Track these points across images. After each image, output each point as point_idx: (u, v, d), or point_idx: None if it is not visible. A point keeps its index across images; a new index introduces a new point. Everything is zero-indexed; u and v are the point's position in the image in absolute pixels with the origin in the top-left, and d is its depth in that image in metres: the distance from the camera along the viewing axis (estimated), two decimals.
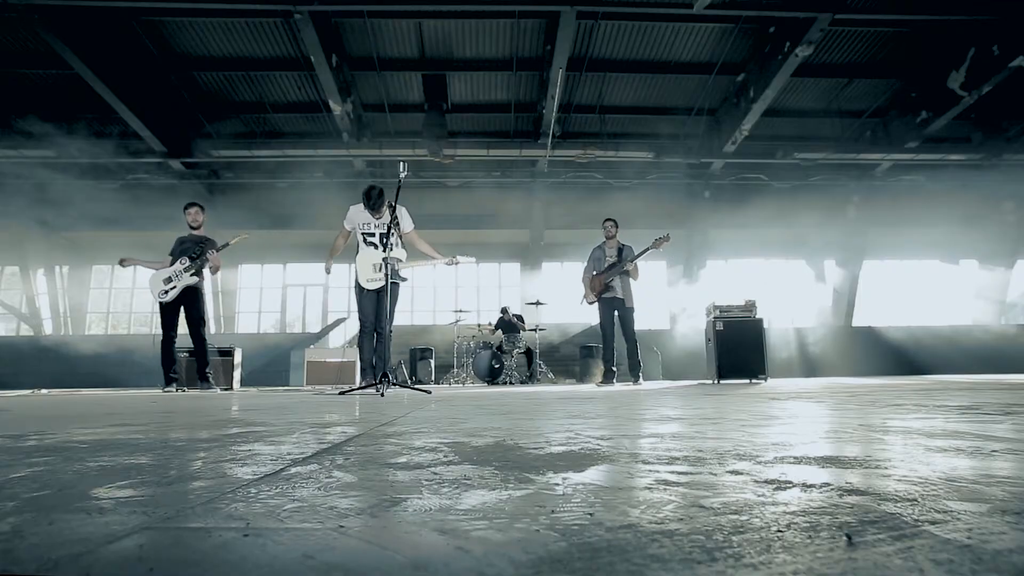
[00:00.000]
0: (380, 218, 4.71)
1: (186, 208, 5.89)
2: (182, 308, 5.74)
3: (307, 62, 9.99)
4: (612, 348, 6.09)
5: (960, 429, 1.21)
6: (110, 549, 0.44)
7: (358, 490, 0.66)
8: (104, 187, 12.92)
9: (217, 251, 5.80)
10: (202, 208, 5.96)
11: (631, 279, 6.06)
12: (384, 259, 4.62)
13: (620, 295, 6.05)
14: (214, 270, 5.84)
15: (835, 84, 11.56)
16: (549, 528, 0.48)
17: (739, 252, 16.00)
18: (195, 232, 5.86)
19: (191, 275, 5.70)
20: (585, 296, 6.29)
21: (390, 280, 4.30)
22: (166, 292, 5.65)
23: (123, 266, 5.80)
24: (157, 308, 5.76)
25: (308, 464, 0.86)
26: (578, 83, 11.32)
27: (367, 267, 4.74)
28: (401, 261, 4.57)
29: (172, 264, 5.70)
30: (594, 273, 6.20)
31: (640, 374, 6.02)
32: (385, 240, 4.21)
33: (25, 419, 1.96)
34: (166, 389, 5.65)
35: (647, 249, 5.96)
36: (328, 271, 5.01)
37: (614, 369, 6.08)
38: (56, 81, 10.80)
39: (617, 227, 6.23)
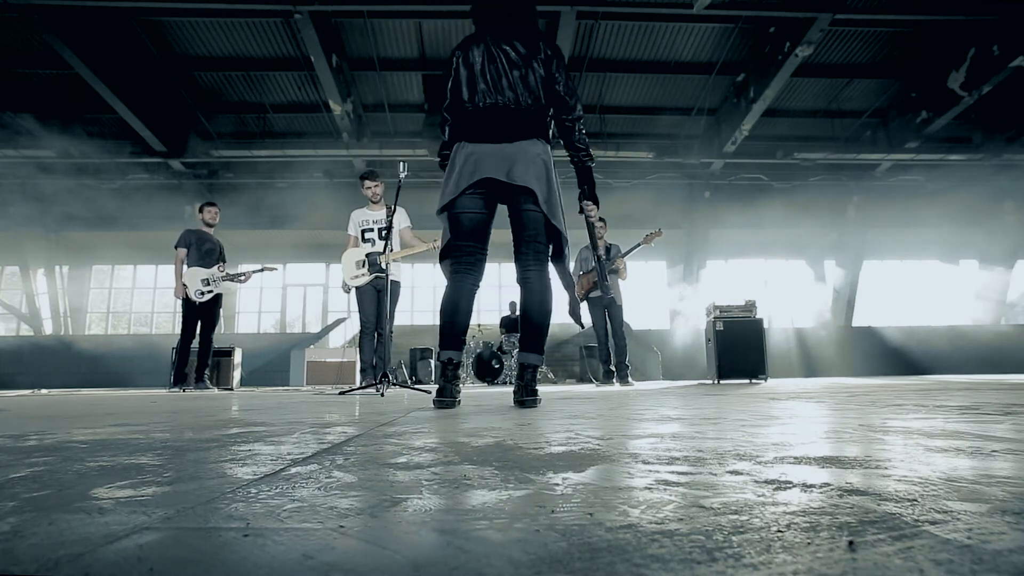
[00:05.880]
0: (379, 211, 4.79)
1: (205, 206, 5.97)
2: (203, 310, 5.82)
3: (307, 62, 9.99)
4: (607, 348, 6.08)
5: (960, 429, 1.21)
6: (110, 549, 0.44)
7: (358, 490, 0.66)
8: (104, 187, 12.93)
9: (254, 273, 6.32)
10: (218, 208, 6.08)
11: (619, 278, 6.05)
12: (367, 254, 4.62)
13: (610, 293, 6.04)
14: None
15: (835, 84, 11.56)
16: (549, 528, 0.48)
17: (739, 252, 16.00)
18: (209, 231, 5.94)
19: (224, 281, 5.88)
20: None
21: (390, 279, 4.30)
22: (203, 293, 5.72)
23: (178, 295, 5.78)
24: (179, 307, 5.85)
25: (308, 464, 0.86)
26: (578, 83, 11.32)
27: (351, 264, 4.75)
28: (384, 255, 4.52)
29: (187, 253, 5.75)
30: (580, 273, 6.18)
31: (628, 375, 5.96)
32: (385, 234, 4.20)
33: (25, 419, 1.96)
34: (175, 388, 5.70)
35: (638, 245, 5.95)
36: (347, 290, 4.96)
37: (612, 369, 6.06)
38: (56, 81, 10.81)
39: (606, 227, 6.22)
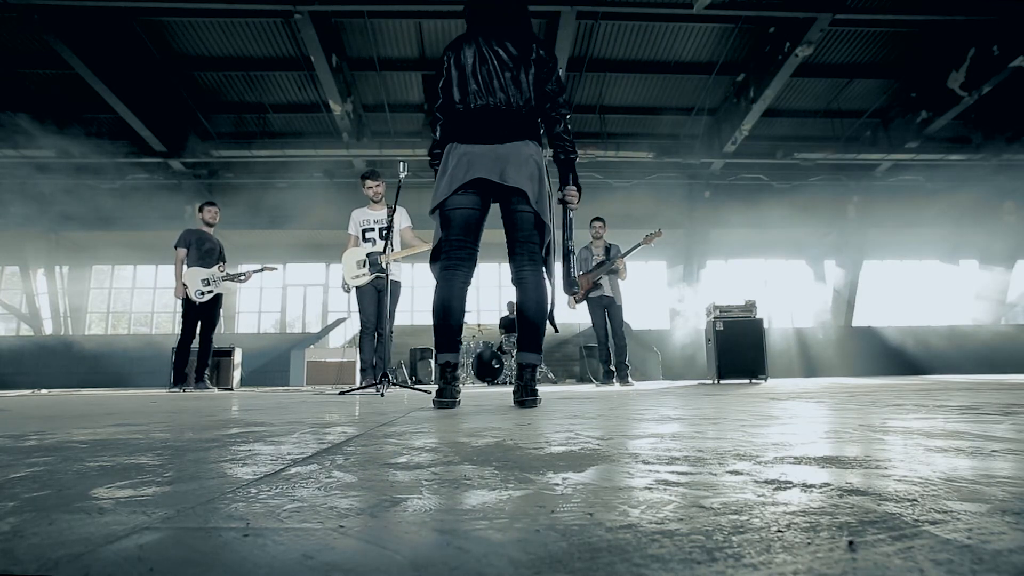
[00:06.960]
0: (379, 211, 4.82)
1: (205, 206, 5.97)
2: (203, 311, 5.82)
3: (307, 62, 10.00)
4: (607, 348, 6.09)
5: (960, 429, 1.21)
6: (110, 549, 0.44)
7: (358, 490, 0.66)
8: (103, 187, 12.94)
9: (255, 273, 6.33)
10: (218, 208, 6.09)
11: (619, 278, 6.06)
12: (368, 254, 4.63)
13: (609, 293, 6.06)
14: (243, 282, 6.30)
15: (835, 84, 11.57)
16: (549, 528, 0.48)
17: (739, 252, 16.00)
18: (209, 230, 5.94)
19: (224, 281, 5.90)
20: (571, 300, 6.23)
21: (390, 279, 4.31)
22: (203, 293, 5.73)
23: (178, 295, 5.78)
24: (179, 307, 5.86)
25: (308, 464, 0.86)
26: (578, 83, 11.33)
27: (351, 264, 4.75)
28: (385, 255, 4.50)
29: (187, 253, 5.75)
30: (580, 273, 6.18)
31: (629, 375, 5.98)
32: (385, 234, 4.19)
33: (25, 419, 1.96)
34: (175, 388, 5.70)
35: (638, 245, 5.95)
36: (347, 290, 4.93)
37: (612, 369, 6.07)
38: (56, 81, 10.81)
39: (605, 227, 6.24)
